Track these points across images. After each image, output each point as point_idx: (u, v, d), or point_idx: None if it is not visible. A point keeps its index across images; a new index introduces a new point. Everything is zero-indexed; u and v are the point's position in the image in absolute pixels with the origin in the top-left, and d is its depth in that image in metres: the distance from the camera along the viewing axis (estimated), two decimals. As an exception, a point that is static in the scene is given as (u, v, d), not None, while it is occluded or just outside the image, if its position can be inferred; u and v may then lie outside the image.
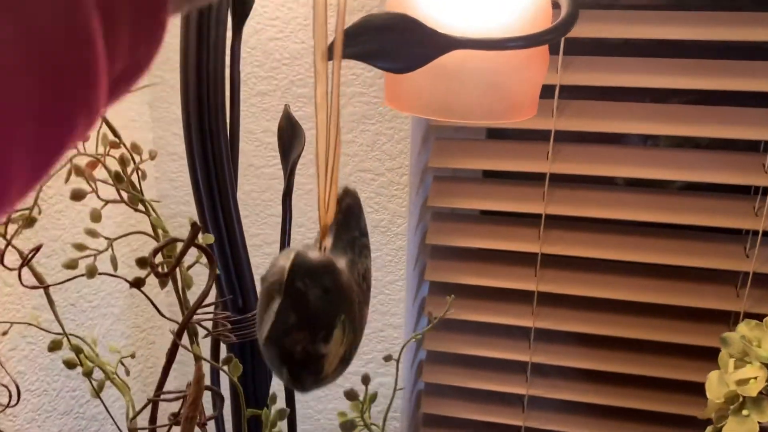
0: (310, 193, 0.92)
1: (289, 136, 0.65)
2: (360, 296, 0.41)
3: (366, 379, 0.46)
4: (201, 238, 0.45)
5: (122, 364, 0.49)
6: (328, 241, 0.40)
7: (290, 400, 0.74)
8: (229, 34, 0.63)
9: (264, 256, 0.97)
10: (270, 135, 0.90)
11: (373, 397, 0.47)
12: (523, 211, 0.90)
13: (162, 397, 0.38)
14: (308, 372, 0.37)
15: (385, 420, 0.52)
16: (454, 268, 0.96)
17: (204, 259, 0.41)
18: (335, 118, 0.38)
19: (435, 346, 0.99)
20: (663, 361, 0.93)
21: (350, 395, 0.45)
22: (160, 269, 0.42)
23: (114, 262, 0.39)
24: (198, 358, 0.39)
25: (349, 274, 0.40)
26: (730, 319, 0.90)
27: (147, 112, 0.94)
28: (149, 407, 0.43)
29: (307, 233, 0.94)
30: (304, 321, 0.36)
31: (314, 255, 0.38)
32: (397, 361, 0.53)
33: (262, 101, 0.89)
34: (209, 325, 0.52)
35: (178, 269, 0.41)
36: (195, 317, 0.41)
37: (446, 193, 0.94)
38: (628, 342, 0.94)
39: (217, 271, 0.51)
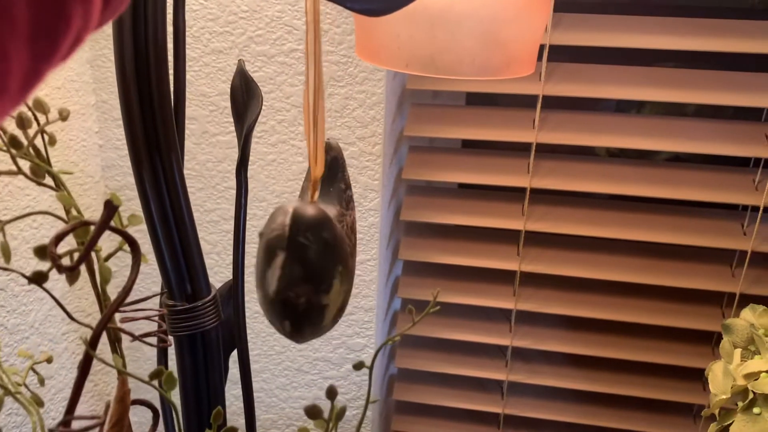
0: (273, 164, 0.83)
1: (244, 96, 0.56)
2: (350, 247, 0.43)
3: (332, 393, 0.39)
4: (125, 219, 0.37)
5: (34, 371, 0.40)
6: (316, 195, 0.40)
7: (247, 386, 0.66)
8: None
9: (222, 233, 0.88)
10: (226, 98, 0.81)
11: (341, 414, 0.39)
12: (507, 184, 0.82)
13: (73, 424, 0.31)
14: (310, 323, 0.39)
15: (359, 429, 0.45)
16: (430, 247, 0.88)
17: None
18: (318, 64, 0.35)
19: (409, 330, 0.92)
20: (651, 345, 0.88)
21: (312, 413, 0.37)
22: (68, 260, 0.33)
23: (6, 251, 0.31)
24: (122, 372, 0.31)
25: (340, 225, 0.42)
26: (723, 301, 0.85)
27: (88, 72, 0.83)
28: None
29: (269, 208, 0.85)
30: (308, 274, 0.38)
31: (311, 209, 0.38)
32: (370, 369, 0.45)
33: (217, 60, 0.79)
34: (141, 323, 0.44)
35: (95, 260, 0.33)
36: (120, 315, 0.33)
37: (423, 164, 0.86)
38: (615, 325, 0.88)
39: (147, 260, 0.42)
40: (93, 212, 0.88)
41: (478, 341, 0.89)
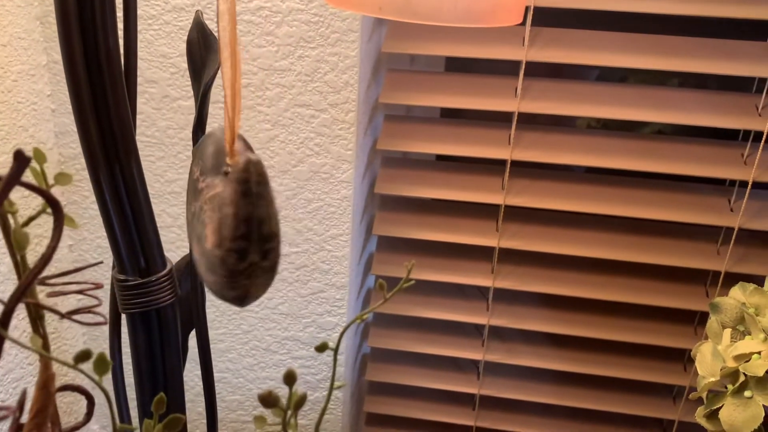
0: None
1: (201, 50, 0.50)
2: None
3: (290, 378, 0.34)
4: (51, 179, 0.32)
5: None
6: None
7: (207, 367, 0.61)
8: None
9: (183, 205, 0.83)
10: (189, 60, 0.75)
11: (300, 401, 0.35)
12: (487, 156, 0.78)
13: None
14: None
15: (322, 415, 0.41)
16: (405, 221, 0.84)
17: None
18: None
19: (382, 307, 0.88)
20: (631, 325, 0.85)
21: (268, 401, 0.33)
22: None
23: None
24: (43, 356, 0.27)
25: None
26: (707, 279, 0.82)
27: (37, 30, 0.77)
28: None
29: (235, 179, 0.80)
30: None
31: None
32: (335, 351, 0.41)
33: (178, 18, 0.74)
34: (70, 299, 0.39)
35: (11, 223, 0.28)
36: (48, 290, 0.29)
37: (399, 134, 0.81)
38: (595, 304, 0.85)
39: (77, 225, 0.37)
40: (45, 181, 0.82)
41: (455, 320, 0.86)
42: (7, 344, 0.78)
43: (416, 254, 0.87)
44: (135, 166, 0.51)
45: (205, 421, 0.66)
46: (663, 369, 0.86)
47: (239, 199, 0.32)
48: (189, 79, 0.75)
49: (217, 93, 0.73)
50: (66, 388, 0.30)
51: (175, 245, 0.85)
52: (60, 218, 0.25)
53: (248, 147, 0.37)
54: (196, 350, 0.62)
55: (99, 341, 0.93)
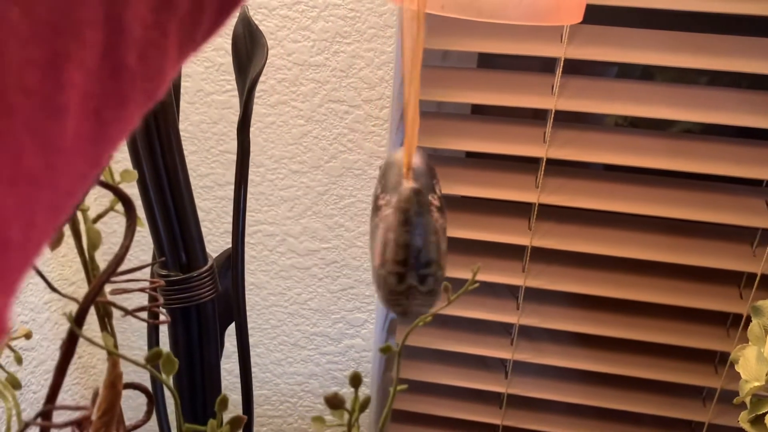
0: (272, 126, 0.77)
1: (248, 47, 0.50)
2: None
3: (356, 380, 0.34)
4: (117, 176, 0.32)
5: (10, 348, 0.35)
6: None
7: (245, 362, 0.61)
8: None
9: (215, 200, 0.83)
10: (223, 54, 0.75)
11: (365, 404, 0.35)
12: (521, 154, 0.77)
13: (54, 416, 0.26)
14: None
15: (386, 417, 0.41)
16: (436, 218, 0.84)
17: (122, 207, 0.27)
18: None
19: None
20: (662, 325, 0.84)
21: (334, 402, 0.33)
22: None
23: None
24: (113, 354, 0.27)
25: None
26: (741, 281, 0.81)
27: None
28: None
29: (267, 174, 0.80)
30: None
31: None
32: (399, 352, 0.41)
33: (213, 12, 0.73)
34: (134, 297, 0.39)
35: (81, 221, 0.28)
36: (111, 287, 0.28)
37: (430, 130, 0.80)
38: (625, 304, 0.85)
39: (145, 223, 0.37)
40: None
41: (484, 318, 0.85)
42: (37, 337, 0.79)
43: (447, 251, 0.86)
44: (179, 159, 0.51)
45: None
46: (693, 370, 0.85)
47: (399, 227, 0.33)
48: (222, 72, 0.75)
49: (259, 88, 0.73)
50: (129, 386, 0.30)
51: (207, 239, 0.85)
52: (133, 216, 0.25)
53: (430, 170, 0.39)
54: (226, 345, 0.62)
55: (126, 334, 0.93)
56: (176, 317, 0.54)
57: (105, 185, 0.25)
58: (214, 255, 0.84)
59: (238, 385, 0.61)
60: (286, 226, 0.82)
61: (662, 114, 0.73)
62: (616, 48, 0.72)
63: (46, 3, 0.13)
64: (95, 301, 0.26)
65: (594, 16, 0.78)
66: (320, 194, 0.80)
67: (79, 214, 0.28)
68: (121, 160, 0.82)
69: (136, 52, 0.15)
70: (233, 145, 0.79)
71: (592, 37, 0.73)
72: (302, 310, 0.87)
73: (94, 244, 0.28)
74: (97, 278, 0.24)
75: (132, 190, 0.51)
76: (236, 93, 0.77)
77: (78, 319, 0.25)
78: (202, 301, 0.54)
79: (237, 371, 0.81)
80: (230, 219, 0.84)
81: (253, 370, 0.92)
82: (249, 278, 0.86)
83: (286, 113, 0.77)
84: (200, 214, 0.84)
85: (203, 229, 0.85)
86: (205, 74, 0.76)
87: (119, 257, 0.25)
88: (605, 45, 0.72)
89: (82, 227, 0.28)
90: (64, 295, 0.27)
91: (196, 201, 0.83)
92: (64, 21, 0.13)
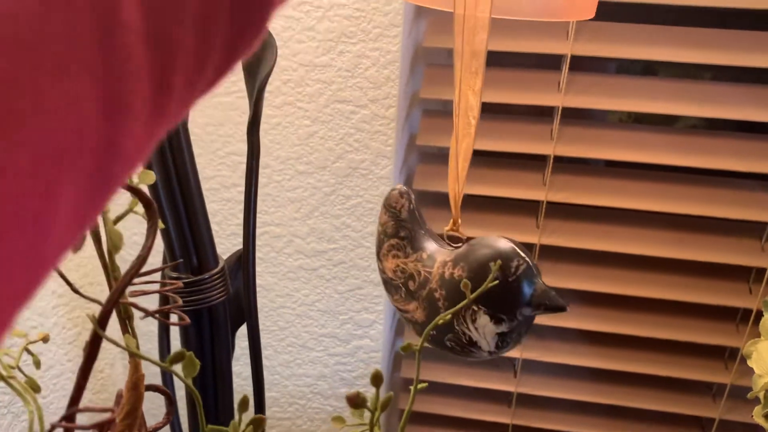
0: (278, 127, 0.77)
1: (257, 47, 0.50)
2: None
3: (377, 379, 0.34)
4: (135, 177, 0.31)
5: (29, 352, 0.34)
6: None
7: (257, 364, 0.61)
8: None
9: (222, 202, 0.83)
10: (229, 56, 0.75)
11: (386, 403, 0.35)
12: (528, 152, 0.77)
13: (78, 418, 0.26)
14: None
15: (406, 417, 0.41)
16: (444, 218, 0.83)
17: (141, 208, 0.27)
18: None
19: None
20: (670, 322, 0.84)
21: (356, 402, 0.33)
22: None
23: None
24: (135, 355, 0.27)
25: None
26: (750, 276, 0.81)
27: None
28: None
29: (273, 175, 0.80)
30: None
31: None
32: (418, 351, 0.42)
33: (218, 13, 0.73)
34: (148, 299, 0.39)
35: (101, 223, 0.27)
36: (131, 289, 0.28)
37: (437, 129, 0.80)
38: (632, 300, 0.84)
39: (161, 225, 0.37)
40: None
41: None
42: (50, 342, 0.79)
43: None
44: (189, 162, 0.51)
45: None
46: (703, 366, 0.85)
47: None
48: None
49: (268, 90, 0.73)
50: (151, 388, 0.30)
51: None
52: (154, 218, 0.25)
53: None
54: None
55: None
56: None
57: (126, 187, 0.24)
58: (222, 255, 0.84)
59: (247, 387, 0.61)
60: (293, 227, 0.82)
61: (669, 110, 0.73)
62: (622, 44, 0.72)
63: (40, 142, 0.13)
64: (116, 303, 0.26)
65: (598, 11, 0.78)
66: (327, 195, 0.80)
67: (99, 216, 0.28)
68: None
69: (128, 167, 0.16)
70: (239, 146, 0.79)
71: (598, 33, 0.73)
72: (310, 312, 0.87)
73: (116, 246, 0.27)
74: (121, 279, 0.24)
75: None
76: (242, 94, 0.77)
77: (101, 321, 0.24)
78: (213, 303, 0.54)
79: (246, 374, 0.81)
80: (237, 221, 0.83)
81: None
82: (257, 280, 0.85)
83: (292, 114, 0.76)
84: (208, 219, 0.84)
85: (208, 215, 0.85)
86: (211, 76, 0.76)
87: (142, 258, 0.25)
88: (611, 41, 0.72)
89: (102, 229, 0.28)
90: (87, 298, 0.27)
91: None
92: (65, 155, 0.14)
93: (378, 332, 0.87)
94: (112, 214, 0.28)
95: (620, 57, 0.72)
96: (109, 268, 0.28)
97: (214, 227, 0.84)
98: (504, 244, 0.46)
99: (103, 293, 0.28)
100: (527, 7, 0.35)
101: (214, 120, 0.78)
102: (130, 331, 0.30)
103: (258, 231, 0.83)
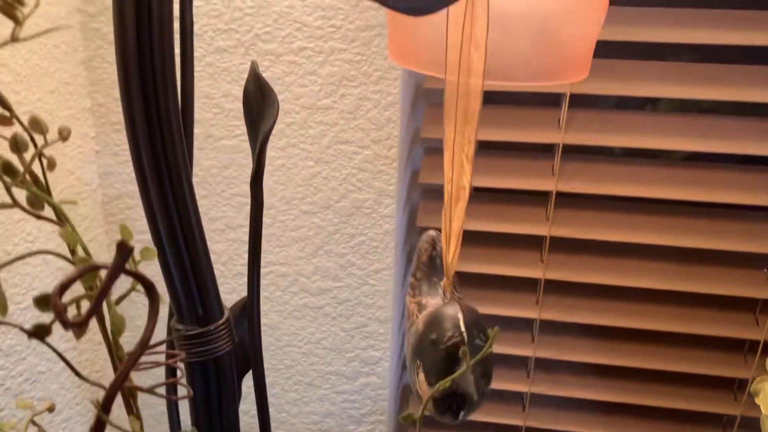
0: (282, 168, 0.78)
1: (258, 102, 0.51)
2: None
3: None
4: (137, 254, 0.32)
5: (35, 424, 0.35)
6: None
7: (263, 412, 0.61)
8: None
9: (227, 243, 0.83)
10: (232, 100, 0.76)
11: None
12: (531, 188, 0.78)
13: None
14: (475, 409, 0.47)
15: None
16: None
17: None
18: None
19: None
20: (679, 354, 0.84)
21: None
22: (74, 311, 0.29)
23: (2, 302, 0.26)
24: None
25: None
26: (757, 308, 0.81)
27: (83, 74, 0.78)
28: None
29: (277, 215, 0.81)
30: (487, 369, 0.47)
31: (474, 310, 0.47)
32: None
33: (221, 60, 0.74)
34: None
35: (104, 307, 0.28)
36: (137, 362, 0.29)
37: (440, 166, 0.80)
38: (641, 333, 0.84)
39: (165, 301, 0.38)
40: (90, 223, 0.83)
41: (499, 352, 0.85)
42: (51, 409, 0.79)
43: (459, 284, 0.86)
44: (193, 215, 0.51)
45: (258, 463, 0.66)
46: (712, 398, 0.84)
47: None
48: (231, 118, 0.76)
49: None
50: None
51: (219, 281, 0.85)
52: (155, 300, 0.26)
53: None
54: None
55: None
56: (194, 371, 0.54)
57: (127, 272, 0.25)
58: (227, 295, 0.84)
59: (255, 426, 0.61)
60: (298, 266, 0.83)
61: (670, 145, 0.74)
62: (621, 81, 0.72)
63: None
64: (121, 387, 0.26)
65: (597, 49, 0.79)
66: (331, 234, 0.81)
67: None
68: (139, 218, 0.83)
69: None
70: (243, 188, 0.80)
71: (597, 69, 0.73)
72: (316, 350, 0.87)
73: (118, 329, 0.28)
74: (124, 365, 0.25)
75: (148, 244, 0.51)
76: (245, 138, 0.77)
77: (105, 406, 0.25)
78: (219, 354, 0.54)
79: (253, 411, 0.81)
80: (242, 261, 0.84)
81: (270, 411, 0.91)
82: (262, 319, 0.86)
83: (295, 155, 0.77)
84: (212, 257, 0.84)
85: (215, 272, 0.85)
86: (215, 120, 0.77)
87: (144, 342, 0.25)
88: (610, 79, 0.73)
89: (106, 312, 0.28)
90: (91, 382, 0.28)
91: (208, 244, 0.84)
92: None
93: (385, 369, 0.87)
94: (114, 296, 0.29)
95: (620, 94, 0.72)
96: (112, 350, 0.29)
97: (219, 267, 0.85)
98: (452, 311, 0.46)
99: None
100: (520, 72, 0.35)
101: (219, 163, 0.79)
102: (134, 411, 0.30)
103: (263, 270, 0.83)
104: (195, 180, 0.80)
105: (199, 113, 0.77)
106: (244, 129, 0.76)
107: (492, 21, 0.34)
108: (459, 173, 0.39)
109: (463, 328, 0.44)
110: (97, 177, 0.83)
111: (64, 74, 0.75)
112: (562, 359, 0.85)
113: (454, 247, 0.43)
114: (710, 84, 0.72)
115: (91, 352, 0.85)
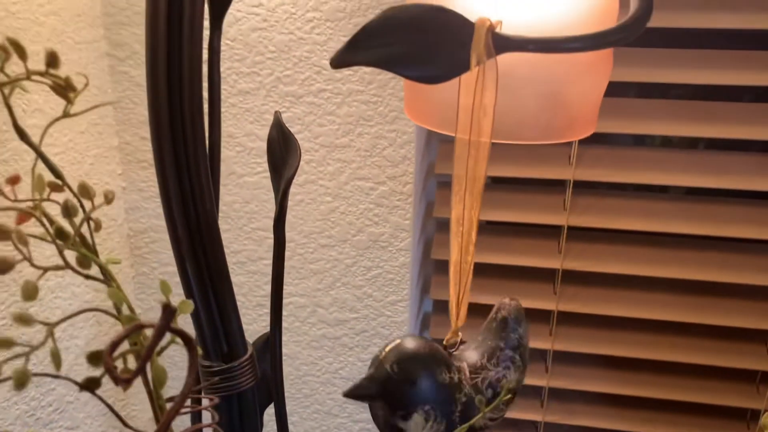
0: (301, 204, 0.81)
1: (282, 149, 0.54)
2: (465, 397, 0.48)
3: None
4: (177, 307, 0.35)
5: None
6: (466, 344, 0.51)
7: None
8: (206, 23, 0.51)
9: (248, 275, 0.86)
10: (253, 139, 0.79)
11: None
12: (543, 222, 0.80)
13: None
14: None
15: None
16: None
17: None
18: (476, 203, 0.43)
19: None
20: (694, 384, 0.85)
21: None
22: (121, 365, 0.31)
23: (56, 358, 0.28)
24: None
25: (468, 376, 0.50)
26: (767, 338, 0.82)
27: (110, 114, 0.82)
28: None
29: (297, 249, 0.83)
30: (383, 395, 0.48)
31: (420, 348, 0.48)
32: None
33: (244, 101, 0.78)
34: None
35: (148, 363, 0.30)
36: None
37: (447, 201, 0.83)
38: (654, 364, 0.85)
39: (201, 352, 0.40)
40: (116, 256, 0.86)
41: (513, 382, 0.87)
42: (82, 416, 0.82)
43: (472, 317, 0.88)
44: (219, 254, 0.54)
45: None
46: (725, 428, 0.85)
47: None
48: (253, 156, 0.79)
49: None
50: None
51: (241, 312, 0.88)
52: (194, 354, 0.28)
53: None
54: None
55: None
56: (218, 405, 0.56)
57: (174, 331, 0.27)
58: (248, 326, 0.87)
59: (277, 460, 0.63)
60: (317, 297, 0.85)
61: (681, 181, 0.76)
62: (635, 119, 0.75)
63: None
64: None
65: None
66: (348, 266, 0.83)
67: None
68: (162, 251, 0.86)
69: None
70: (264, 222, 0.82)
71: (608, 107, 0.76)
72: (334, 379, 0.89)
73: (161, 382, 0.30)
74: (165, 416, 0.27)
75: (176, 287, 0.54)
76: (265, 174, 0.80)
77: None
78: (243, 390, 0.57)
79: (272, 441, 0.83)
80: (263, 292, 0.86)
81: (287, 438, 0.93)
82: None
83: (314, 191, 0.80)
84: (234, 289, 0.87)
85: (237, 303, 0.88)
86: (237, 158, 0.80)
87: (185, 394, 0.28)
88: (622, 117, 0.75)
89: (149, 367, 0.31)
90: (135, 430, 0.30)
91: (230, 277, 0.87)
92: None
93: None
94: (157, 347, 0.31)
95: (632, 132, 0.74)
96: (155, 401, 0.31)
97: (240, 299, 0.87)
98: (409, 344, 0.47)
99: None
100: (528, 132, 0.38)
101: (241, 198, 0.82)
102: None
103: (283, 302, 0.86)
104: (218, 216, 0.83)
105: (222, 151, 0.80)
106: (265, 166, 0.79)
107: (501, 84, 0.36)
108: (470, 229, 0.41)
109: (397, 363, 0.47)
110: (123, 212, 0.86)
111: (94, 115, 0.79)
112: (573, 389, 0.86)
113: (463, 299, 0.45)
114: (715, 121, 0.74)
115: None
